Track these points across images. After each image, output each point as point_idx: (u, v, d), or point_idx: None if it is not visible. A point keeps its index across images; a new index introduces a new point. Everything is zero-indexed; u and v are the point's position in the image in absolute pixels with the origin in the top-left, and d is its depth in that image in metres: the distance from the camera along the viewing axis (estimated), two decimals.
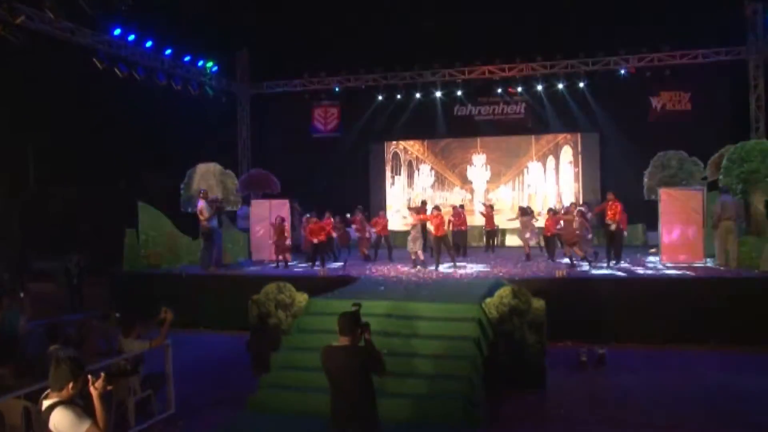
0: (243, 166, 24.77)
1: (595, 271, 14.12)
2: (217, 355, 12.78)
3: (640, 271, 14.27)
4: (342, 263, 15.67)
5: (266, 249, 17.85)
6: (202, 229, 16.05)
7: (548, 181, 23.03)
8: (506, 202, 23.19)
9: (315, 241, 16.54)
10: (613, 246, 15.04)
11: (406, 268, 15.84)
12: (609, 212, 14.97)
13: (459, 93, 23.19)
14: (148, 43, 19.09)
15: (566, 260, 15.56)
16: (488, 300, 10.47)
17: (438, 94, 23.32)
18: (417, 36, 21.92)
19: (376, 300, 11.10)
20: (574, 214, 15.08)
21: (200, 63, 21.86)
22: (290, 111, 25.14)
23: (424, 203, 19.54)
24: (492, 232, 20.40)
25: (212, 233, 16.06)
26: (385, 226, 18.23)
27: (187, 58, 21.19)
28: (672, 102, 21.92)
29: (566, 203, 19.31)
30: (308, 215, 18.00)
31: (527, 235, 17.14)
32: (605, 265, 14.94)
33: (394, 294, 11.89)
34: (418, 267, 15.53)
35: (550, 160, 22.98)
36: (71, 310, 16.32)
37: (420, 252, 15.75)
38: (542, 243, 17.34)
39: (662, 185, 17.94)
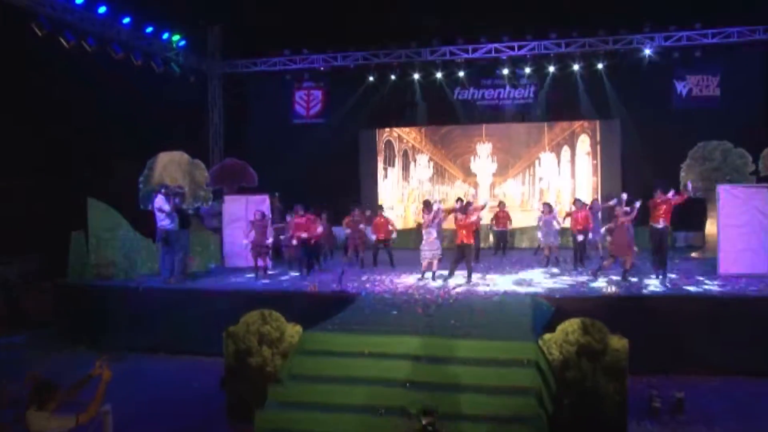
0: (214, 156, 21.86)
1: (653, 288, 11.50)
2: (181, 394, 10.02)
3: (709, 286, 11.67)
4: (338, 273, 12.88)
5: (242, 253, 15.00)
6: (159, 232, 13.18)
7: (563, 174, 20.42)
8: (515, 198, 20.55)
9: (304, 235, 13.80)
10: (660, 253, 12.45)
11: (413, 280, 13.16)
12: (659, 211, 12.37)
13: (461, 74, 20.51)
14: (102, 9, 16.03)
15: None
16: (547, 336, 7.85)
17: (438, 75, 20.62)
18: (414, 9, 19.18)
19: (393, 335, 8.43)
20: (619, 213, 12.44)
21: (165, 36, 18.87)
22: (269, 93, 22.27)
23: (427, 203, 16.84)
24: (503, 234, 17.76)
25: (172, 236, 13.20)
26: (387, 228, 15.47)
27: (149, 30, 18.18)
28: (699, 87, 19.45)
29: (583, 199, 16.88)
30: (294, 212, 15.26)
31: (551, 238, 14.51)
32: (655, 276, 12.35)
33: (413, 322, 9.23)
34: (428, 279, 12.89)
35: (565, 150, 20.39)
36: (9, 329, 13.55)
37: (436, 262, 13.08)
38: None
39: (703, 180, 15.64)
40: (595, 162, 20.04)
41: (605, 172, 19.82)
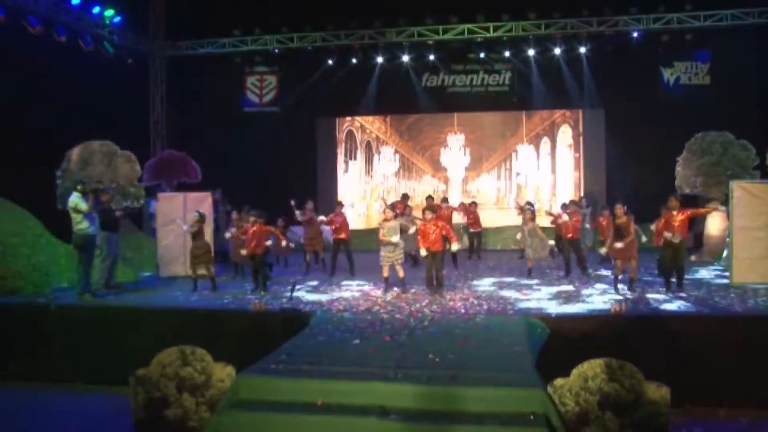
0: (156, 148, 19.62)
1: (668, 306, 9.69)
2: None
3: (722, 300, 9.93)
4: (290, 286, 10.85)
5: (178, 261, 12.87)
6: (75, 236, 10.98)
7: (542, 168, 18.64)
8: (490, 195, 18.72)
9: (245, 252, 11.75)
10: (676, 265, 10.67)
11: (378, 291, 11.25)
12: (675, 222, 10.57)
13: (431, 57, 18.57)
14: None
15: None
16: (559, 382, 5.94)
17: (405, 58, 18.66)
18: None
19: (356, 379, 6.43)
20: (620, 215, 10.68)
21: (96, 9, 16.54)
22: (217, 78, 20.15)
23: (405, 197, 14.98)
24: (477, 234, 15.93)
25: (90, 242, 11.02)
26: (345, 227, 13.44)
27: (76, 1, 15.80)
28: (688, 74, 17.88)
29: (561, 197, 15.11)
30: (239, 212, 13.27)
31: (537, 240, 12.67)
32: (665, 290, 10.61)
33: (380, 356, 7.28)
34: (394, 290, 11.00)
35: (545, 142, 18.67)
36: None
37: (400, 268, 11.16)
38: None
39: (701, 174, 13.93)
40: (577, 155, 18.34)
41: (588, 167, 18.17)
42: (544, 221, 14.46)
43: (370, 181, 19.49)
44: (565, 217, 12.23)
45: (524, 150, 18.70)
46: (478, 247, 16.04)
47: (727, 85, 17.28)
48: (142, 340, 9.42)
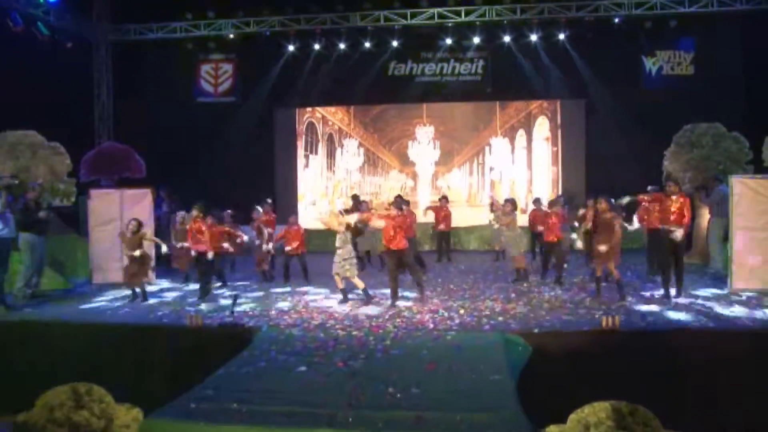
0: (102, 142, 17.99)
1: (666, 317, 8.52)
2: None
3: (738, 311, 8.80)
4: (232, 298, 9.48)
5: (114, 266, 11.47)
6: None
7: (518, 163, 17.46)
8: (461, 191, 17.50)
9: (195, 253, 10.47)
10: (677, 266, 9.55)
11: (334, 303, 9.96)
12: (682, 212, 9.45)
13: (398, 44, 17.24)
14: None
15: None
16: (553, 430, 4.67)
17: (369, 45, 17.29)
18: None
19: (296, 426, 5.12)
20: (605, 209, 9.54)
21: None
22: (168, 66, 18.53)
23: (356, 198, 13.71)
24: (447, 235, 14.72)
25: (2, 246, 9.56)
26: (300, 239, 12.07)
27: None
28: (671, 64, 16.85)
29: (539, 193, 13.92)
30: (184, 213, 11.92)
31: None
32: (666, 296, 9.50)
33: (330, 389, 6.03)
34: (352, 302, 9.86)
35: (521, 135, 17.48)
36: None
37: (358, 281, 9.93)
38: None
39: (690, 169, 12.88)
40: (555, 149, 17.20)
41: (567, 161, 17.05)
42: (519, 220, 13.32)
43: (332, 177, 18.14)
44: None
45: (498, 143, 17.53)
46: (447, 248, 14.83)
47: (712, 76, 16.26)
48: (52, 361, 8.11)
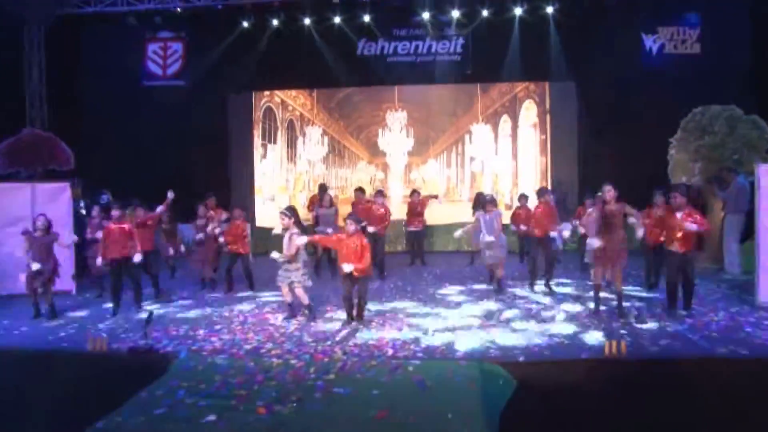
0: (36, 128, 16.25)
1: (691, 337, 7.06)
2: None
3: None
4: (147, 315, 7.90)
5: (17, 275, 9.81)
6: None
7: (502, 152, 15.94)
8: (438, 184, 15.96)
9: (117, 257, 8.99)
10: (686, 284, 8.08)
11: (278, 317, 8.57)
12: (676, 227, 7.99)
13: (366, 19, 15.66)
14: None
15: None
16: None
17: (336, 20, 15.75)
18: None
19: None
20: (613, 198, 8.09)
21: None
22: (111, 45, 16.74)
23: (323, 189, 12.31)
24: (419, 234, 13.22)
25: None
26: (242, 237, 10.52)
27: None
28: (674, 42, 15.43)
29: (525, 187, 12.35)
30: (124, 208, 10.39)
31: (499, 250, 9.89)
32: (667, 314, 8.05)
33: None
34: (300, 316, 8.38)
35: (505, 121, 15.95)
36: None
37: (303, 292, 8.41)
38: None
39: (701, 159, 11.46)
40: (543, 137, 15.69)
41: (557, 150, 15.53)
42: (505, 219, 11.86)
43: (293, 169, 16.48)
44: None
45: (480, 131, 15.95)
46: (421, 249, 13.32)
47: (722, 54, 14.82)
48: None
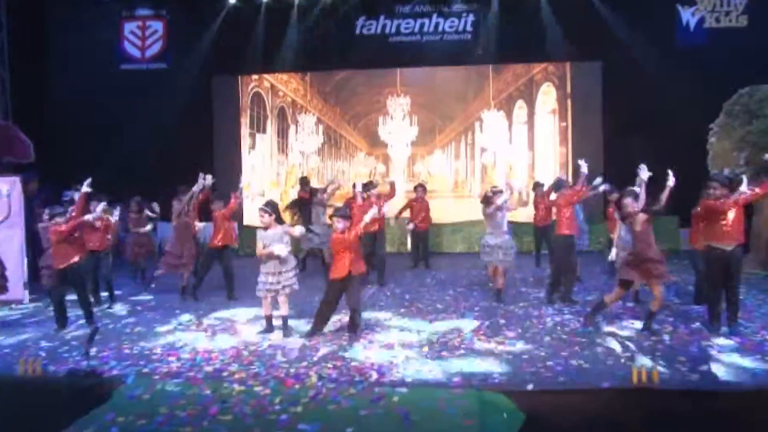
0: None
1: (724, 365, 6.21)
2: None
3: None
4: (90, 332, 7.18)
5: None
6: None
7: (516, 142, 15.09)
8: (445, 178, 15.16)
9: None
10: (731, 294, 7.23)
11: (254, 330, 7.89)
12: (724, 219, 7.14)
13: None
14: None
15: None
16: None
17: None
18: None
19: None
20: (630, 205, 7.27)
21: None
22: (83, 25, 16.17)
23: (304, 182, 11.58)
24: (424, 234, 12.46)
25: None
26: (232, 234, 9.89)
27: None
28: (716, 14, 14.57)
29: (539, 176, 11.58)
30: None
31: (505, 254, 9.06)
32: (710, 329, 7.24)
33: None
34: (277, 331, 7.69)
35: (520, 107, 15.12)
36: None
37: (285, 302, 7.71)
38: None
39: (749, 147, 10.81)
40: (564, 124, 14.85)
41: (580, 140, 14.69)
42: (518, 215, 11.12)
43: (285, 162, 15.71)
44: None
45: (491, 118, 15.10)
46: (425, 252, 12.53)
47: None
48: None
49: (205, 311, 9.14)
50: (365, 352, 6.85)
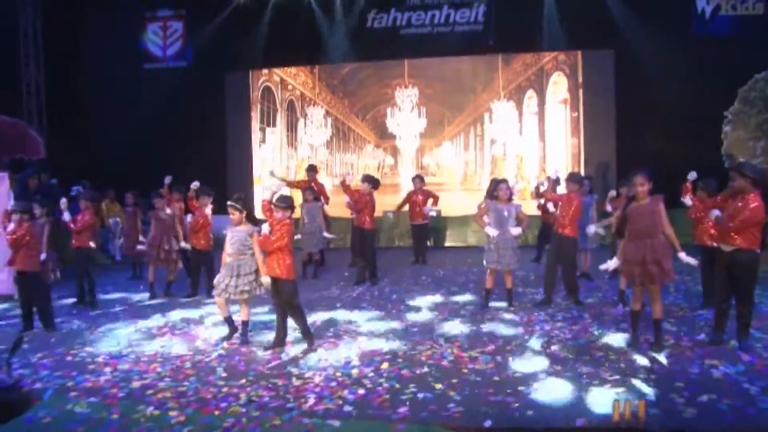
0: (33, 118, 14.91)
1: (731, 396, 4.61)
2: None
3: None
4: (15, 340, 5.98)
5: None
6: None
7: (527, 133, 13.43)
8: (454, 171, 13.63)
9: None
10: (740, 301, 5.55)
11: (216, 335, 6.79)
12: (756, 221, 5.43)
13: None
14: None
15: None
16: None
17: None
18: None
19: None
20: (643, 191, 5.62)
21: None
22: (111, 27, 14.86)
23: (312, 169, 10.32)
24: (424, 228, 10.96)
25: None
26: (209, 236, 8.60)
27: None
28: (731, 2, 12.63)
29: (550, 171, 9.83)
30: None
31: (508, 256, 7.47)
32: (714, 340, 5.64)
33: None
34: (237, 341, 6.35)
35: (530, 97, 13.45)
36: None
37: (246, 308, 6.45)
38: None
39: (765, 136, 8.86)
40: (575, 114, 13.13)
41: (592, 130, 12.98)
42: (529, 209, 9.58)
43: (294, 155, 14.37)
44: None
45: (501, 109, 13.46)
46: (422, 246, 11.05)
47: None
48: None
49: (175, 311, 7.89)
50: (314, 369, 5.44)
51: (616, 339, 5.89)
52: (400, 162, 13.85)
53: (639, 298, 5.65)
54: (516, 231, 7.18)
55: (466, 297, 8.16)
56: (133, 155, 13.35)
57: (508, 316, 7.00)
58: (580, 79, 13.05)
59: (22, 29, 15.13)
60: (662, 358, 5.27)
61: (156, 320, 7.47)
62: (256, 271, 6.26)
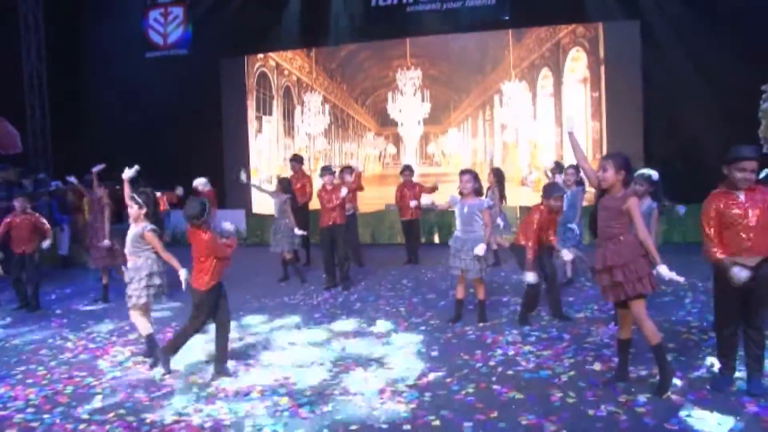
0: (36, 113, 14.58)
1: None
2: None
3: None
4: None
5: None
6: None
7: (542, 117, 12.01)
8: (461, 159, 12.37)
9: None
10: (752, 327, 4.18)
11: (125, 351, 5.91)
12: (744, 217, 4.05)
13: None
14: None
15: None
16: None
17: None
18: None
19: None
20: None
21: None
22: (113, 16, 14.47)
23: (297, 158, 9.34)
24: (414, 224, 9.80)
25: None
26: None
27: None
28: None
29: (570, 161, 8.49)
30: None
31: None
32: (719, 385, 4.27)
33: None
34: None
35: (545, 77, 12.00)
36: None
37: (141, 319, 5.67)
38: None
39: None
40: (596, 95, 11.59)
41: (616, 113, 11.43)
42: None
43: (291, 145, 13.28)
44: None
45: (513, 90, 12.04)
46: (413, 244, 9.92)
47: None
48: None
49: (113, 320, 6.98)
50: (200, 402, 4.40)
51: (591, 373, 4.62)
52: (402, 151, 12.63)
53: (626, 323, 4.34)
54: (479, 249, 5.94)
55: (441, 305, 7.01)
56: (134, 146, 12.64)
57: (472, 335, 5.79)
58: (602, 55, 11.44)
59: (22, 19, 14.73)
60: (642, 403, 4.00)
61: (79, 331, 6.58)
62: (149, 275, 5.29)
